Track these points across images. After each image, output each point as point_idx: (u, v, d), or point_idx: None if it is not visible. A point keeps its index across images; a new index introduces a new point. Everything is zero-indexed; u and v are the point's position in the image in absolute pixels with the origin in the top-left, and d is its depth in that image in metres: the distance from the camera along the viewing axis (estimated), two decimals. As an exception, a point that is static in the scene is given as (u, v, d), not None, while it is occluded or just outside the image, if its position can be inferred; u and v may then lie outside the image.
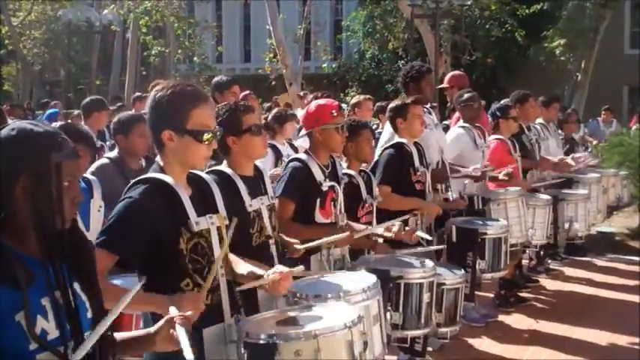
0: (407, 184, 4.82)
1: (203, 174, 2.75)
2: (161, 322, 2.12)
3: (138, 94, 10.96)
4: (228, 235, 2.62)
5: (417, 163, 4.90)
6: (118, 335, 2.08)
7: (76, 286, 1.89)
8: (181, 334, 2.06)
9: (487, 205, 5.81)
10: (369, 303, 3.09)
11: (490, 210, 5.78)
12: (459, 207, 5.38)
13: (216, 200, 2.67)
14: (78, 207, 1.88)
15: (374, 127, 8.02)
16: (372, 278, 3.22)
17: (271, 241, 3.24)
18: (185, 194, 2.54)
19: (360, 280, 3.22)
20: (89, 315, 1.90)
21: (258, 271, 2.69)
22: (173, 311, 2.15)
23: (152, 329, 2.14)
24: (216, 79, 5.73)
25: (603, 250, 8.44)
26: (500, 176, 5.96)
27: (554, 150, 7.72)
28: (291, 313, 2.75)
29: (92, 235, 3.84)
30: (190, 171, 2.66)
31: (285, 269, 2.65)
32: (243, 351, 2.51)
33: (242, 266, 2.75)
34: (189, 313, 2.15)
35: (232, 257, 2.77)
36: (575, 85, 18.81)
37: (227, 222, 2.64)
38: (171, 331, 2.08)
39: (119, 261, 2.49)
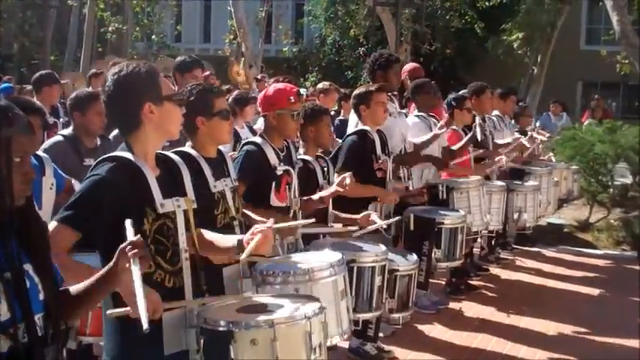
0: (368, 172, 4.86)
1: (174, 156, 2.73)
2: (116, 256, 1.99)
3: (94, 70, 10.74)
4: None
5: (378, 151, 4.93)
6: (73, 289, 2.01)
7: (28, 266, 1.85)
8: (135, 275, 1.93)
9: (451, 193, 5.88)
10: (337, 278, 3.15)
11: (453, 198, 5.87)
12: (416, 200, 5.44)
13: (184, 183, 2.65)
14: (30, 184, 1.83)
15: (332, 113, 8.05)
16: (338, 255, 3.29)
17: (235, 223, 3.26)
18: (152, 174, 2.51)
19: (326, 257, 3.29)
20: (41, 296, 1.86)
21: (230, 241, 2.68)
22: (129, 233, 2.04)
23: (109, 265, 2.00)
24: (179, 58, 5.57)
25: (552, 241, 8.63)
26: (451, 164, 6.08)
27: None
28: (255, 300, 2.73)
29: (44, 213, 3.78)
30: (160, 152, 2.65)
31: (264, 226, 2.62)
32: (200, 337, 2.48)
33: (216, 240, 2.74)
34: (137, 237, 2.02)
35: (209, 235, 2.74)
36: (530, 79, 19.09)
37: (195, 205, 2.62)
38: (127, 264, 1.96)
39: (81, 239, 2.44)
